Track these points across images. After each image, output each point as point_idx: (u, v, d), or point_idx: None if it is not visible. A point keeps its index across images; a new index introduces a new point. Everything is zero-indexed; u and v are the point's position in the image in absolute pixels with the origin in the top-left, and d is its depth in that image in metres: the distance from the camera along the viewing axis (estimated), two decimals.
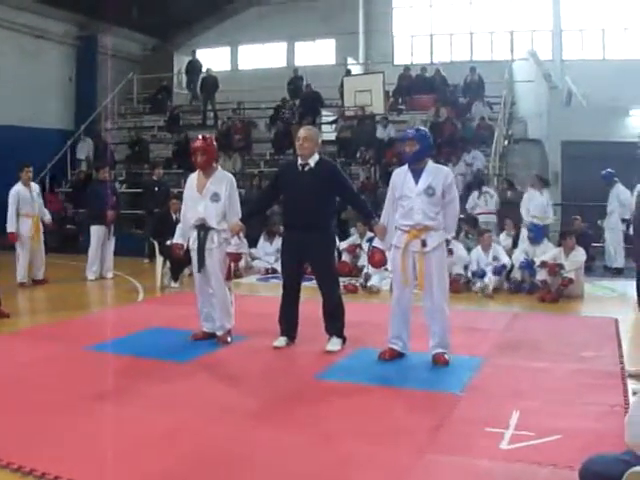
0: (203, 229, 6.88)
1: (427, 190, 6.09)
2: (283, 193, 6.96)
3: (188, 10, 22.15)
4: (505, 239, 11.56)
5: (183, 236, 7.21)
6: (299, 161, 6.76)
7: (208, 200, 6.85)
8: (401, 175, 6.30)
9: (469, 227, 11.53)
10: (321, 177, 6.62)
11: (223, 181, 6.92)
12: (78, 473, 3.88)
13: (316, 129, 7.14)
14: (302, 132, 6.76)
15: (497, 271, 10.35)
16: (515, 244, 11.23)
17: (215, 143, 7.11)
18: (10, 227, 10.94)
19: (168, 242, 10.53)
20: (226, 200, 6.87)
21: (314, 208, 6.58)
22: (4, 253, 12.14)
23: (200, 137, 7.08)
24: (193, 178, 7.09)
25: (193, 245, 6.99)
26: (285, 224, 7.14)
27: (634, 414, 2.77)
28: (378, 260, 6.63)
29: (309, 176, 6.64)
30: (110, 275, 12.05)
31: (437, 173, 6.20)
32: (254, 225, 13.59)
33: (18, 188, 11.11)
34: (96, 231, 11.95)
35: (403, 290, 6.25)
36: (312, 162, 6.68)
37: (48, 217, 11.71)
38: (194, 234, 6.96)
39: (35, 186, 11.55)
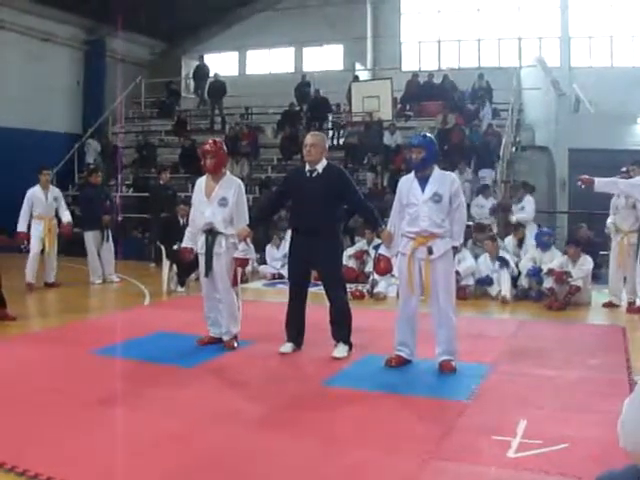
0: (211, 234, 6.88)
1: (434, 197, 6.08)
2: (291, 198, 6.95)
3: (196, 15, 22.23)
4: (511, 241, 11.49)
5: (192, 240, 7.17)
6: (307, 167, 6.75)
7: (216, 205, 6.84)
8: (407, 183, 6.29)
9: (477, 234, 11.49)
10: (329, 183, 6.61)
11: (232, 186, 6.91)
12: (83, 477, 3.88)
13: (323, 135, 7.11)
14: (309, 138, 6.75)
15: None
16: (520, 245, 11.20)
17: (225, 147, 7.10)
18: (20, 227, 11.01)
19: (175, 246, 10.57)
20: (234, 205, 6.85)
21: (322, 214, 6.56)
22: (14, 256, 12.16)
23: (210, 141, 7.07)
24: (201, 182, 7.07)
25: (201, 250, 6.98)
26: (293, 229, 7.15)
27: (627, 414, 2.71)
28: (383, 268, 6.61)
29: (317, 182, 6.63)
30: (116, 279, 12.07)
31: (443, 180, 6.18)
32: (261, 230, 13.66)
33: (34, 190, 11.23)
34: (89, 237, 11.92)
35: (409, 297, 6.24)
36: (320, 168, 6.67)
37: (67, 218, 11.60)
38: (202, 238, 6.96)
39: (55, 190, 11.61)
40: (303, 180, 6.73)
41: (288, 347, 6.85)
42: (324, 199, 6.55)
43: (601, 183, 7.83)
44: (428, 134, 6.71)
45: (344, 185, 6.72)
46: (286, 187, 7.05)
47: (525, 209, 12.30)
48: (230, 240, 6.86)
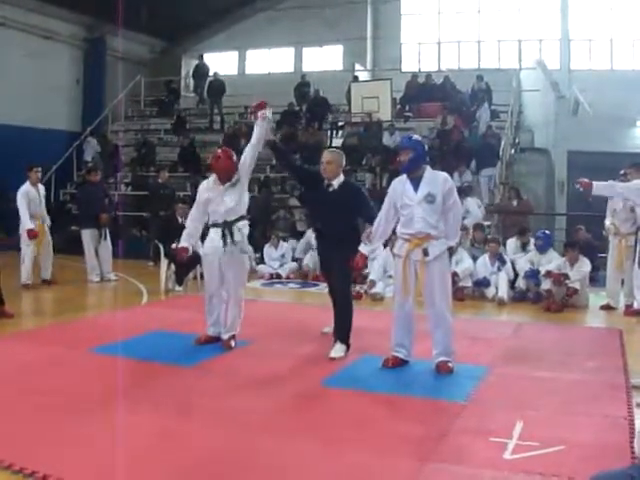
0: (227, 225, 6.94)
1: (427, 197, 6.09)
2: (309, 205, 7.14)
3: (197, 14, 22.23)
4: (513, 243, 11.51)
5: (188, 240, 7.22)
6: (325, 180, 6.87)
7: (228, 193, 6.95)
8: (400, 184, 6.30)
9: (476, 235, 11.49)
10: (343, 200, 6.76)
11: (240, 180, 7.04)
12: (80, 475, 3.89)
13: (340, 152, 7.21)
14: (326, 155, 6.92)
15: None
16: (524, 248, 11.22)
17: (233, 157, 7.09)
18: (27, 224, 10.88)
19: (173, 245, 10.58)
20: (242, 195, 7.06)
21: (335, 225, 6.70)
22: (9, 254, 12.15)
23: (219, 155, 7.08)
24: (210, 182, 7.15)
25: (212, 243, 7.02)
26: (316, 237, 7.53)
27: None
28: (360, 264, 6.60)
29: (333, 197, 6.81)
30: (113, 277, 12.06)
31: (436, 180, 6.18)
32: (260, 230, 13.70)
33: (27, 188, 11.10)
34: (87, 235, 11.91)
35: (405, 298, 6.24)
36: (336, 184, 6.83)
37: (47, 222, 11.61)
38: (218, 231, 6.98)
39: (41, 187, 11.56)
40: (321, 190, 6.90)
41: (328, 329, 7.15)
42: (337, 213, 6.70)
43: (599, 186, 7.85)
44: (415, 136, 6.75)
45: (359, 202, 6.84)
46: (308, 178, 7.34)
47: (471, 213, 12.41)
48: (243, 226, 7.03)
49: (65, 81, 20.79)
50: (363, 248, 6.50)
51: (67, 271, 12.33)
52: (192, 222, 7.24)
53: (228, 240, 6.91)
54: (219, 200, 6.97)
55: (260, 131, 7.07)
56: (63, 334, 7.68)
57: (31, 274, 11.14)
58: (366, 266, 6.79)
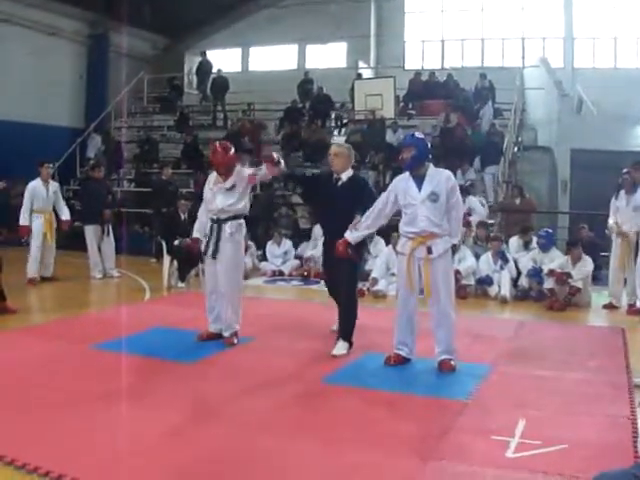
0: (217, 222, 6.99)
1: (431, 196, 6.09)
2: (318, 201, 7.16)
3: (200, 11, 22.19)
4: (516, 241, 11.50)
5: (200, 232, 7.28)
6: (334, 175, 6.93)
7: (223, 193, 6.98)
8: (403, 182, 6.29)
9: (479, 232, 11.47)
10: (352, 193, 6.77)
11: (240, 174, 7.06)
12: (82, 471, 3.88)
13: (348, 146, 7.26)
14: (333, 148, 7.04)
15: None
16: (527, 247, 11.20)
17: (231, 150, 7.09)
18: (22, 221, 11.00)
19: (176, 242, 10.59)
20: (243, 192, 7.08)
21: (344, 219, 6.61)
22: (14, 249, 12.15)
23: (217, 149, 7.09)
24: (212, 178, 7.21)
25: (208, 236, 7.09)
26: (324, 233, 7.44)
27: None
28: (341, 251, 6.53)
29: (341, 190, 6.84)
30: (116, 274, 12.07)
31: (439, 178, 6.18)
32: (262, 227, 13.70)
33: (35, 184, 11.20)
34: (90, 231, 11.94)
35: (408, 296, 6.24)
36: (344, 177, 6.88)
37: (66, 216, 11.69)
38: (209, 226, 7.07)
39: (54, 184, 11.60)
40: (330, 185, 6.94)
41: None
42: (347, 207, 6.65)
43: None
44: (418, 133, 6.72)
45: (363, 193, 6.82)
46: (317, 181, 7.44)
47: (475, 210, 12.43)
48: (234, 225, 7.01)
49: (68, 77, 20.76)
50: (349, 235, 6.48)
51: (70, 267, 12.32)
52: (201, 216, 7.32)
53: (215, 237, 6.98)
54: (212, 199, 7.02)
55: (264, 174, 7.11)
56: (65, 330, 7.68)
57: (37, 269, 11.15)
58: (349, 254, 6.65)
